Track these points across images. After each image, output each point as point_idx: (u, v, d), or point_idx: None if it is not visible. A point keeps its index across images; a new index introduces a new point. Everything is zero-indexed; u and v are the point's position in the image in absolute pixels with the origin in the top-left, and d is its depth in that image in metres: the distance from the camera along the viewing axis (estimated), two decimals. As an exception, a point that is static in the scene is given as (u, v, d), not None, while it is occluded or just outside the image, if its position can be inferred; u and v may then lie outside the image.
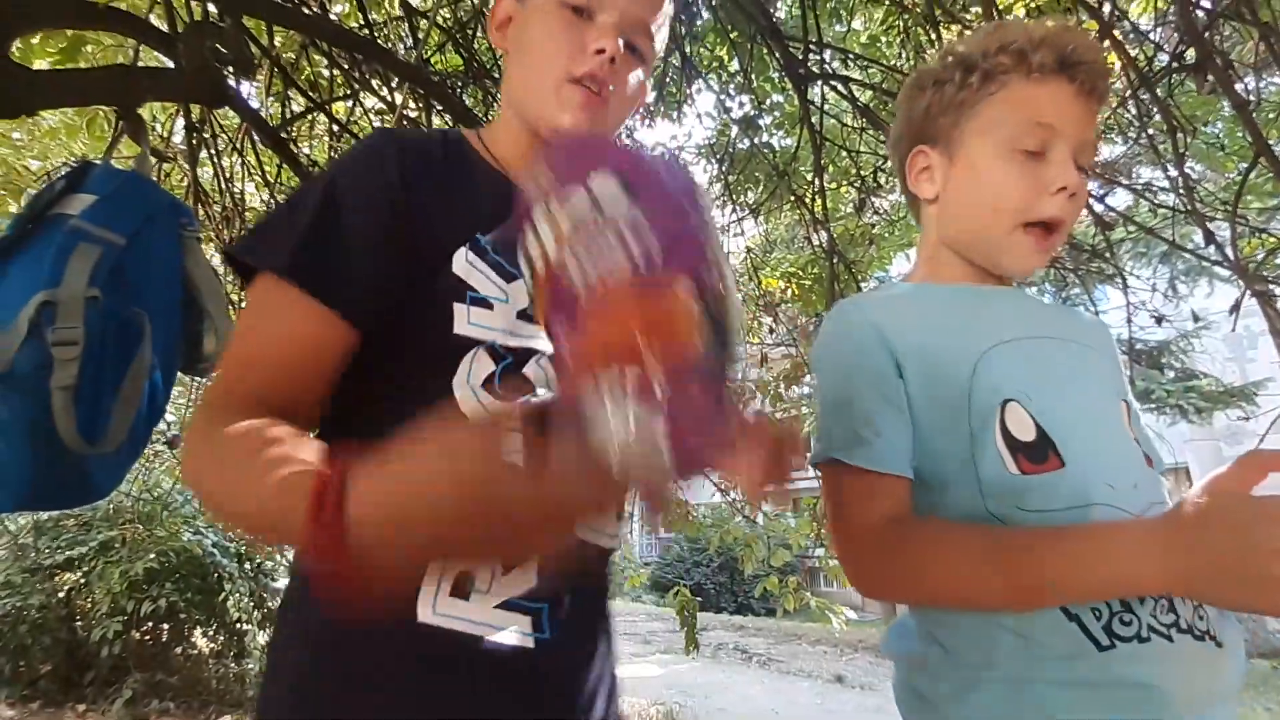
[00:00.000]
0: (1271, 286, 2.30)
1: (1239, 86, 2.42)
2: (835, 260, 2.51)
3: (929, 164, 0.74)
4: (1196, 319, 4.14)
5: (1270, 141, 2.28)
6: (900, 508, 0.62)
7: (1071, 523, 0.57)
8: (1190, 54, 2.21)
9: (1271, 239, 2.97)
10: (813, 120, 2.57)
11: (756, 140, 2.91)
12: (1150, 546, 0.51)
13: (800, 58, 2.45)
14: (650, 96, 3.29)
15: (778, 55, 2.53)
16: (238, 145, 1.95)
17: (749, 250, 3.35)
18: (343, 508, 0.34)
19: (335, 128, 1.93)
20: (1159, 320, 2.54)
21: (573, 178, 0.38)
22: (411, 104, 1.89)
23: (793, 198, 2.67)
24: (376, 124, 2.08)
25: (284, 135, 1.64)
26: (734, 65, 2.95)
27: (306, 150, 2.31)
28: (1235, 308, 1.96)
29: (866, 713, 5.00)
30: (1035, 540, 0.55)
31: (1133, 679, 0.54)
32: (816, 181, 2.63)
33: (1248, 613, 0.54)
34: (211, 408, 0.48)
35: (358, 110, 2.04)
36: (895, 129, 0.79)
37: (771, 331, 3.59)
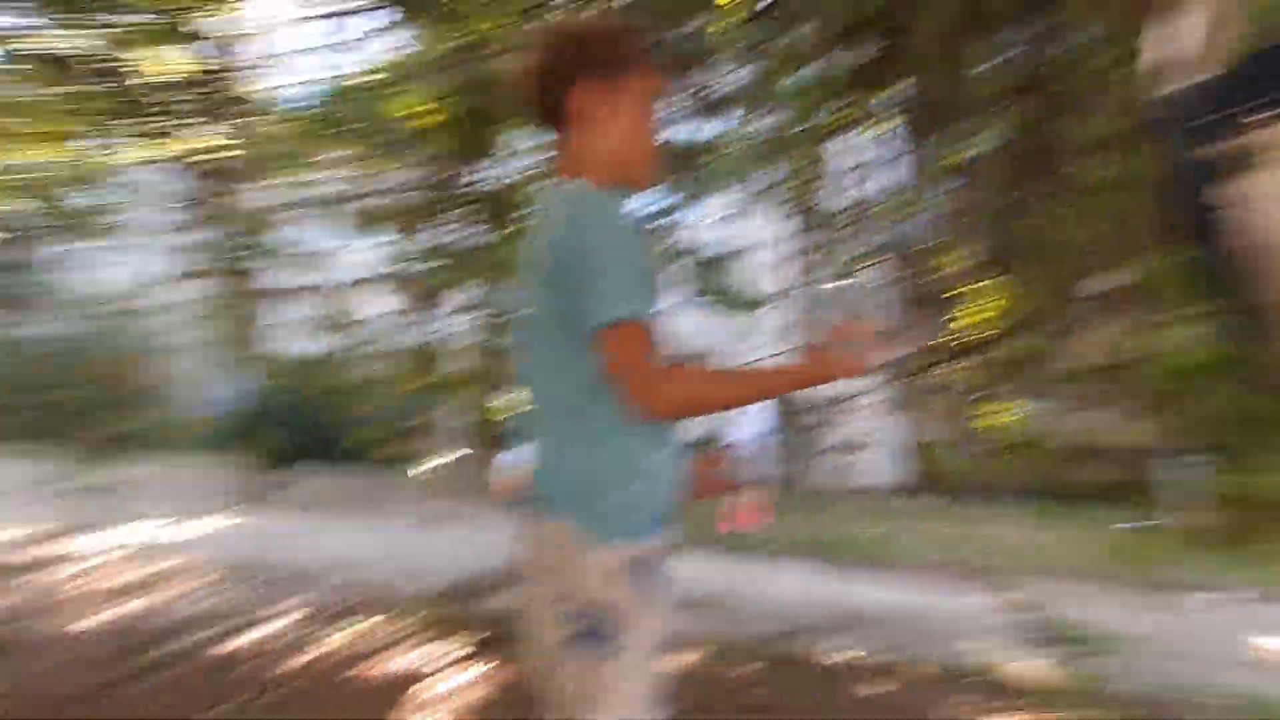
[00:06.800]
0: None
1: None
2: (476, 93, 2.36)
3: (592, 95, 1.02)
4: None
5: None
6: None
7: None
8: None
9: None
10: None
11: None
12: (790, 366, 1.03)
13: None
14: None
15: None
16: None
17: (383, 57, 2.89)
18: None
19: None
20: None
21: None
22: None
23: (445, 8, 2.36)
24: None
25: None
26: None
27: None
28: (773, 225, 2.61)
29: (448, 544, 5.46)
30: (758, 370, 1.05)
31: (678, 462, 1.06)
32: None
33: (818, 381, 1.03)
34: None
35: None
36: (545, 61, 1.04)
37: (396, 160, 3.26)
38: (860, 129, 3.43)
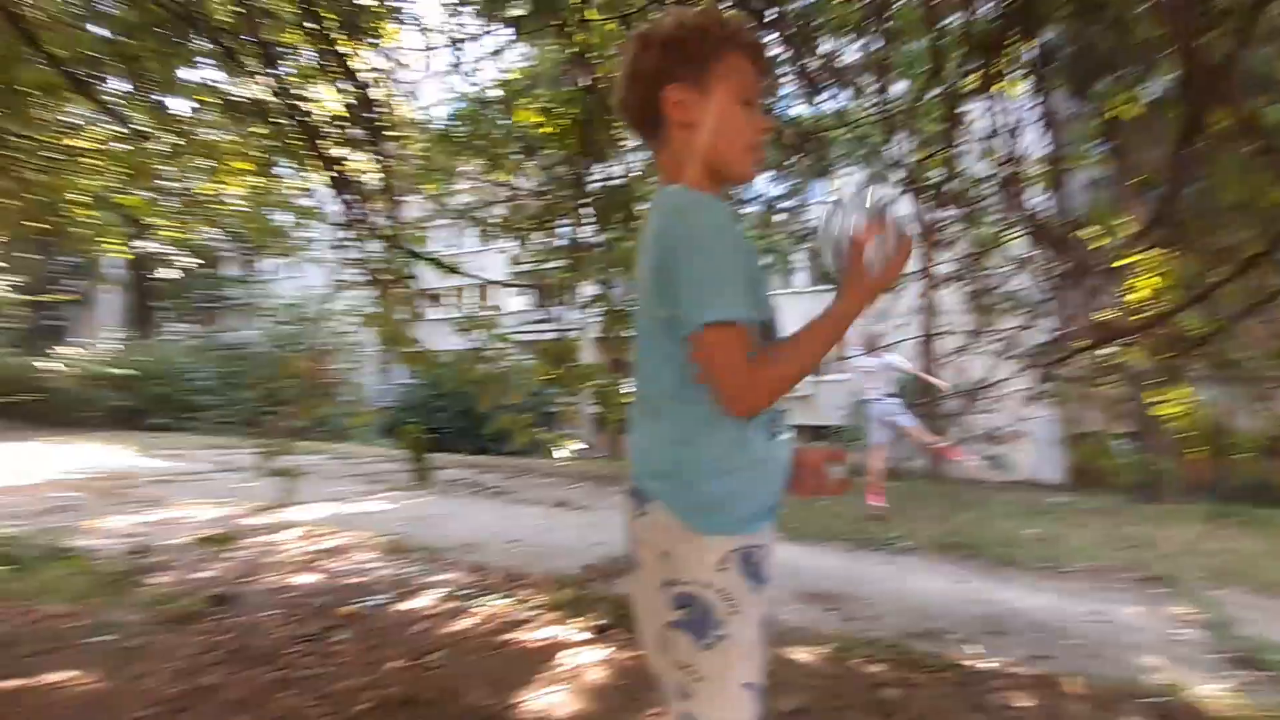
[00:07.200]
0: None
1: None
2: (592, 99, 2.46)
3: (683, 98, 1.02)
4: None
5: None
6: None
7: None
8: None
9: (932, 153, 3.63)
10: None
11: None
12: (838, 303, 1.03)
13: None
14: None
15: None
16: None
17: (505, 73, 3.09)
18: None
19: None
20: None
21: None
22: None
23: (555, 23, 2.48)
24: None
25: None
26: None
27: None
28: (894, 201, 2.48)
29: (582, 527, 5.73)
30: (814, 324, 1.02)
31: (782, 455, 1.08)
32: (581, 11, 2.48)
33: (872, 301, 1.05)
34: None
35: None
36: (635, 67, 1.06)
37: (519, 168, 3.46)
38: (999, 90, 3.15)
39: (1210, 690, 2.62)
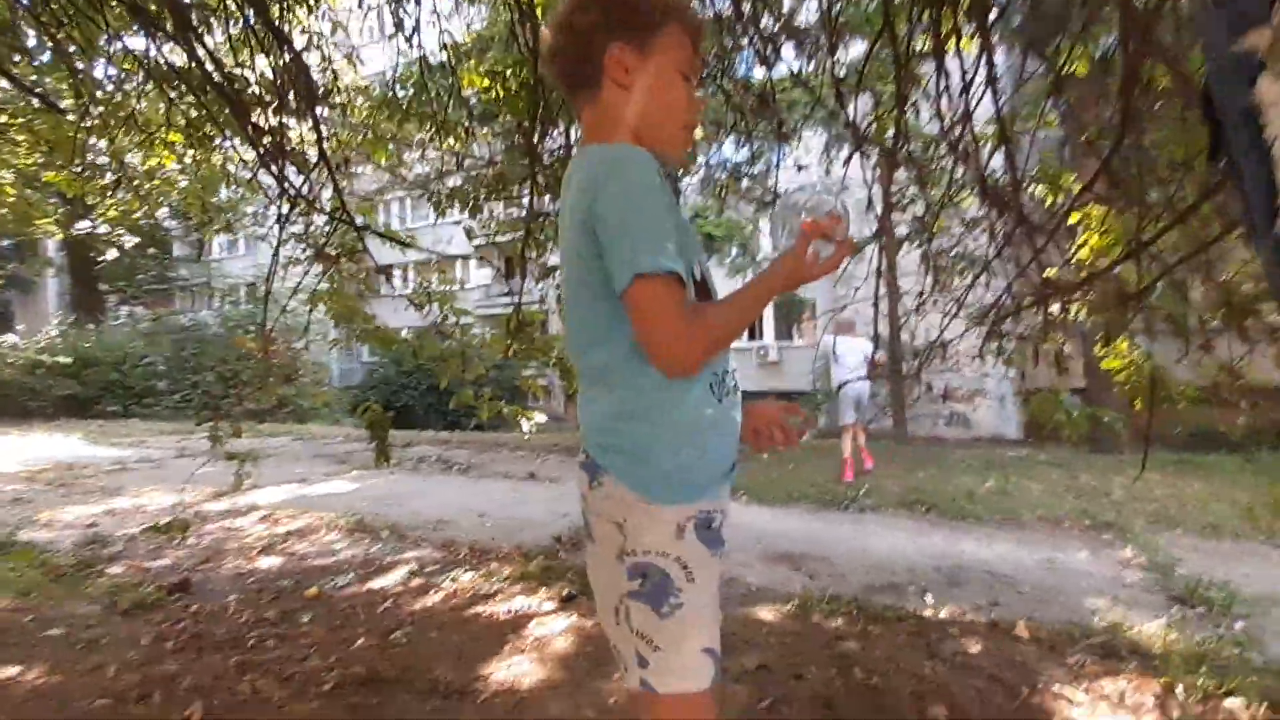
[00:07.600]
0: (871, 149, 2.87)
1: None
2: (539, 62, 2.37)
3: (625, 59, 1.00)
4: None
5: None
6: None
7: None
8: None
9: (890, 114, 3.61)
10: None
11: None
12: (772, 274, 1.05)
13: None
14: None
15: None
16: None
17: (448, 41, 2.96)
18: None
19: None
20: (799, 168, 3.02)
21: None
22: None
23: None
24: None
25: None
26: None
27: None
28: (846, 161, 2.46)
29: (550, 499, 5.74)
30: (748, 288, 1.03)
31: (733, 416, 1.06)
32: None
33: (798, 286, 1.07)
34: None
35: None
36: (574, 19, 1.01)
37: (469, 135, 3.35)
38: (951, 49, 3.12)
39: (1150, 628, 2.75)
